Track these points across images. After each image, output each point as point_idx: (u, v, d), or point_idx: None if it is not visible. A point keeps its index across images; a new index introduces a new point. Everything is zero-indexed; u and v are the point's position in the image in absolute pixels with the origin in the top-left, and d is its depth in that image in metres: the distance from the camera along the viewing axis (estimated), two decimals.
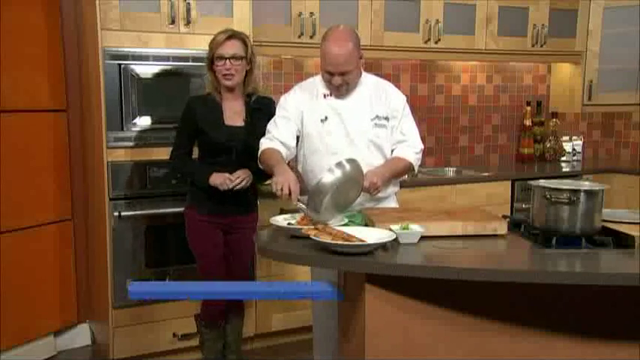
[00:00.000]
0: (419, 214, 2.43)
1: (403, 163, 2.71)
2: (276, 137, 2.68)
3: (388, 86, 2.80)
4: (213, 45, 2.81)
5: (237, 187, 2.80)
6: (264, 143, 2.68)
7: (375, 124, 2.68)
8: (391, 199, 2.83)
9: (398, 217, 2.36)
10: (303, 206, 2.34)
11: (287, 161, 2.64)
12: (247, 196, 2.98)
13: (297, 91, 2.77)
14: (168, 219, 3.24)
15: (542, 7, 4.49)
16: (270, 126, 2.74)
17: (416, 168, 2.78)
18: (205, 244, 2.92)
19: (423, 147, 2.79)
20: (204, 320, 3.05)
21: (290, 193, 2.34)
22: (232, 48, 2.80)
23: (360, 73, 2.69)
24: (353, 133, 2.67)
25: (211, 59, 2.83)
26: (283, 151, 2.65)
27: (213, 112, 2.86)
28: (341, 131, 2.67)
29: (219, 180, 2.79)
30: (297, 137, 2.73)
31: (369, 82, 2.74)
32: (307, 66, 4.18)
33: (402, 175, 2.80)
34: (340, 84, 2.60)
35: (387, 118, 2.71)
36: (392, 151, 2.75)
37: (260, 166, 2.72)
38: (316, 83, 2.74)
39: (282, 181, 2.37)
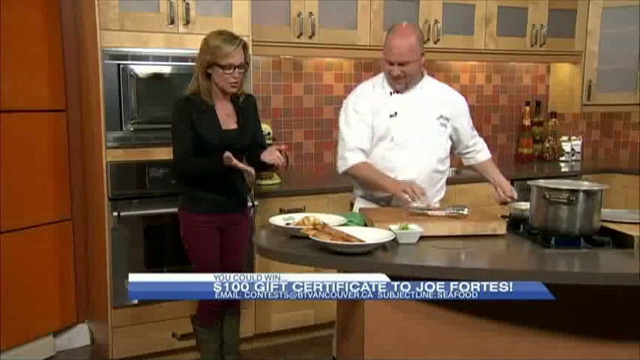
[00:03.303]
0: (418, 214, 2.43)
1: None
2: (359, 147, 2.78)
3: (448, 88, 2.95)
4: (220, 53, 2.73)
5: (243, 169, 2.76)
6: (351, 158, 2.77)
7: (441, 123, 2.82)
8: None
9: (397, 217, 2.37)
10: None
11: None
12: (241, 193, 2.98)
13: (367, 91, 2.85)
14: (168, 219, 3.23)
15: (541, 7, 4.49)
16: (347, 134, 2.81)
17: None
18: (203, 244, 2.91)
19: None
20: (200, 321, 3.05)
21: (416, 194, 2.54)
22: (240, 56, 2.77)
23: (422, 72, 2.81)
24: (420, 129, 2.78)
25: (210, 65, 2.76)
26: (368, 159, 2.78)
27: (209, 117, 2.82)
28: (409, 126, 2.77)
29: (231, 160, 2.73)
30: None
31: (431, 84, 2.88)
32: (306, 66, 4.18)
33: None
34: (399, 75, 2.69)
35: (447, 119, 2.83)
36: (466, 147, 2.97)
37: (355, 179, 2.86)
38: (380, 82, 2.83)
39: (405, 186, 2.56)
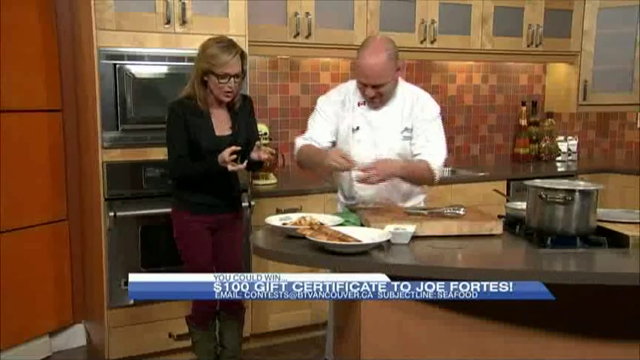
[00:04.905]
0: (414, 214, 2.43)
1: (425, 167, 2.59)
2: (312, 137, 2.70)
3: (423, 98, 2.71)
4: (217, 62, 2.69)
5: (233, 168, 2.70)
6: (300, 142, 2.72)
7: (404, 136, 2.66)
8: (419, 200, 2.83)
9: (394, 217, 2.37)
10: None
11: None
12: (232, 194, 2.98)
13: (335, 98, 2.75)
14: (164, 219, 3.22)
15: (537, 8, 4.50)
16: (309, 125, 2.76)
17: (437, 176, 2.63)
18: (194, 244, 2.91)
19: (445, 156, 2.67)
20: (195, 321, 3.04)
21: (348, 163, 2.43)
22: (237, 66, 2.74)
23: (396, 84, 2.64)
24: (381, 146, 2.66)
25: (206, 73, 2.73)
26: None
27: (204, 123, 2.80)
28: (370, 142, 2.66)
29: (226, 155, 2.68)
30: (333, 142, 2.75)
31: (405, 92, 2.68)
32: (303, 66, 4.19)
33: (418, 180, 2.67)
34: (374, 96, 2.57)
35: (412, 130, 2.66)
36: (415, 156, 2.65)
37: (298, 164, 2.77)
38: (351, 90, 2.71)
39: (334, 155, 2.44)
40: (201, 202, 2.87)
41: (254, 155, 2.75)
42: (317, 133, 2.71)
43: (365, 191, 2.68)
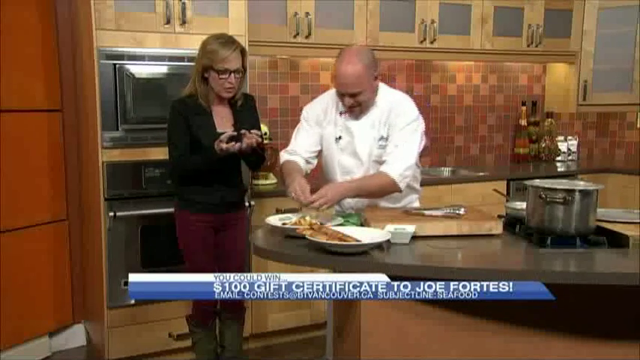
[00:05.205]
0: (414, 214, 2.43)
1: (381, 180, 2.56)
2: (295, 150, 2.74)
3: (401, 104, 2.66)
4: (216, 58, 2.72)
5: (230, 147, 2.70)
6: (284, 156, 2.75)
7: (380, 145, 2.65)
8: (410, 201, 2.82)
9: (393, 217, 2.37)
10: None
11: (307, 171, 2.72)
12: (237, 193, 2.98)
13: (318, 107, 2.78)
14: (164, 219, 3.23)
15: (537, 8, 4.51)
16: (292, 137, 2.81)
17: (399, 183, 2.55)
18: (196, 244, 2.91)
19: (411, 164, 2.59)
20: (195, 320, 3.04)
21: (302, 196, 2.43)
22: (237, 62, 2.75)
23: (375, 93, 2.64)
24: (361, 154, 2.67)
25: (206, 69, 2.75)
26: (302, 163, 2.70)
27: (205, 120, 2.81)
28: (351, 151, 2.69)
29: (223, 136, 2.70)
30: (319, 151, 2.78)
31: (387, 100, 2.67)
32: (303, 66, 4.19)
33: (376, 193, 2.63)
34: (352, 105, 2.58)
35: (386, 138, 2.65)
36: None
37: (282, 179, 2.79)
38: (333, 99, 2.72)
39: (293, 187, 2.47)
40: (205, 201, 2.87)
41: (244, 145, 2.74)
42: (299, 146, 2.75)
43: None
